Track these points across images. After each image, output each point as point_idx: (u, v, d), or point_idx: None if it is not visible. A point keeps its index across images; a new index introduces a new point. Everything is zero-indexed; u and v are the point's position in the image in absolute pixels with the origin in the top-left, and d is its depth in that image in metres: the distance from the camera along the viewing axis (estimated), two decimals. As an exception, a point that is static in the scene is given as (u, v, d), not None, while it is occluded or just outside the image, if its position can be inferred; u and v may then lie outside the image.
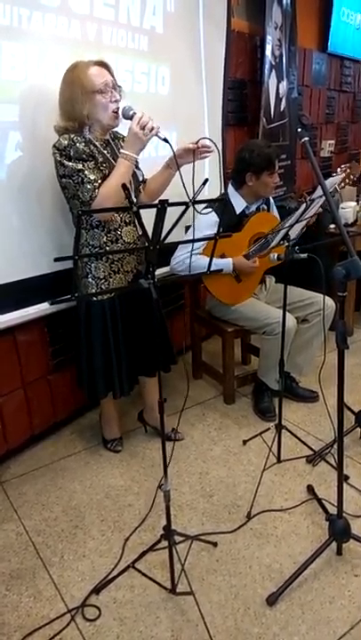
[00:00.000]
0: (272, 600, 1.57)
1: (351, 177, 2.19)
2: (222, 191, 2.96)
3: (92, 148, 1.80)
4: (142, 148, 1.79)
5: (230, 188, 2.45)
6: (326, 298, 2.35)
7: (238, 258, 2.36)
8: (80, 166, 1.75)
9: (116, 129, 1.95)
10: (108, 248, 1.89)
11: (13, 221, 1.99)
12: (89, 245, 1.91)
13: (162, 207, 1.30)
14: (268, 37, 3.20)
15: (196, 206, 1.39)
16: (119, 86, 1.85)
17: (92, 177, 1.76)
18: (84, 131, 1.82)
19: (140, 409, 2.48)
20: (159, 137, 1.74)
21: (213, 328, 2.70)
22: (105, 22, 2.14)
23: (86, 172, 1.75)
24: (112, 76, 1.84)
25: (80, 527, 1.92)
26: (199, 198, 1.42)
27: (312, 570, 1.66)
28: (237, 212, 2.41)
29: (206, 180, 1.56)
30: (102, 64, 1.82)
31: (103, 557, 1.78)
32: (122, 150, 1.79)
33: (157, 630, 1.52)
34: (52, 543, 1.85)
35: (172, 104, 2.58)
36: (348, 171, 2.17)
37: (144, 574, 1.68)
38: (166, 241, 1.41)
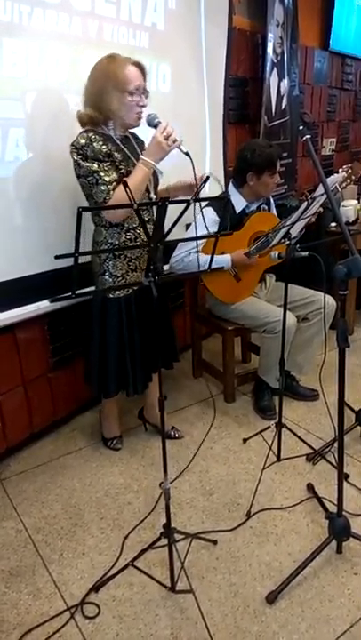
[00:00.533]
0: (272, 598, 1.57)
1: (353, 177, 2.19)
2: (224, 189, 2.96)
3: (110, 146, 1.79)
4: (163, 158, 1.78)
5: (231, 187, 2.45)
6: (327, 296, 2.35)
7: (237, 252, 2.35)
8: (95, 167, 1.74)
9: (133, 130, 1.95)
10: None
11: (14, 219, 1.98)
12: (108, 243, 1.90)
13: (162, 205, 1.29)
14: (270, 35, 3.19)
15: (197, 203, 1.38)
16: (147, 91, 1.84)
17: (106, 179, 1.75)
18: (108, 125, 1.81)
19: (140, 407, 2.48)
20: (181, 150, 1.74)
21: (214, 326, 2.70)
22: (106, 19, 2.14)
23: (101, 173, 1.74)
24: (145, 80, 1.82)
25: (79, 525, 1.92)
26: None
27: (312, 568, 1.66)
28: (237, 211, 2.41)
29: (207, 178, 1.56)
30: (140, 66, 1.81)
31: (103, 555, 1.78)
32: (142, 156, 1.78)
33: (157, 628, 1.52)
34: (51, 541, 1.85)
35: (173, 102, 2.58)
36: (350, 171, 2.16)
37: (143, 572, 1.68)
38: (167, 239, 1.40)
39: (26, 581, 1.69)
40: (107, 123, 1.81)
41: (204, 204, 2.36)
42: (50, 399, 2.44)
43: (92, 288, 2.02)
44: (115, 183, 1.76)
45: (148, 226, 1.87)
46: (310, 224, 2.22)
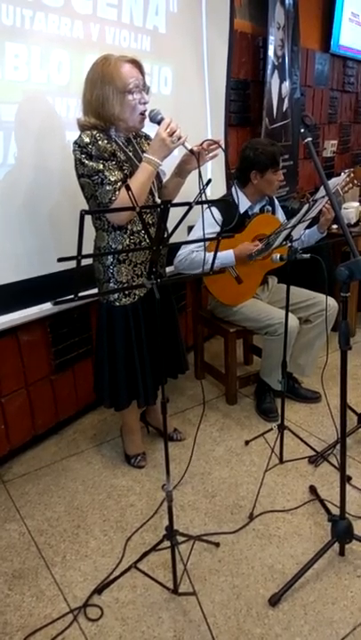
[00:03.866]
0: (274, 601, 1.57)
1: (355, 182, 2.18)
2: (226, 191, 2.97)
3: (114, 145, 1.74)
4: (167, 155, 1.72)
5: (234, 187, 2.45)
6: (329, 298, 2.35)
7: (239, 246, 2.32)
8: (100, 166, 1.68)
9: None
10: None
11: (16, 221, 1.99)
12: (111, 249, 1.83)
13: (164, 207, 1.30)
14: (271, 38, 3.20)
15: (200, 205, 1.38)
16: (148, 86, 1.78)
17: (112, 178, 1.68)
18: (111, 129, 1.76)
19: (142, 410, 2.48)
20: (185, 147, 1.71)
21: (216, 328, 2.70)
22: (108, 22, 2.15)
23: (106, 172, 1.68)
24: (142, 75, 1.76)
25: (82, 527, 1.92)
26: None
27: (314, 571, 1.66)
28: (241, 212, 2.41)
29: (209, 181, 1.56)
30: (135, 62, 1.74)
31: (105, 557, 1.78)
32: (146, 155, 1.72)
33: (160, 630, 1.52)
34: (54, 543, 1.85)
35: (175, 104, 2.58)
36: (353, 175, 2.16)
37: (146, 574, 1.68)
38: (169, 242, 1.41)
39: (29, 584, 1.69)
40: (110, 128, 1.76)
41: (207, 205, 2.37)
42: (52, 401, 2.45)
43: (95, 290, 2.01)
44: (120, 183, 1.70)
45: (153, 229, 1.83)
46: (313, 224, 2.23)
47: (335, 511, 1.75)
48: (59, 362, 2.41)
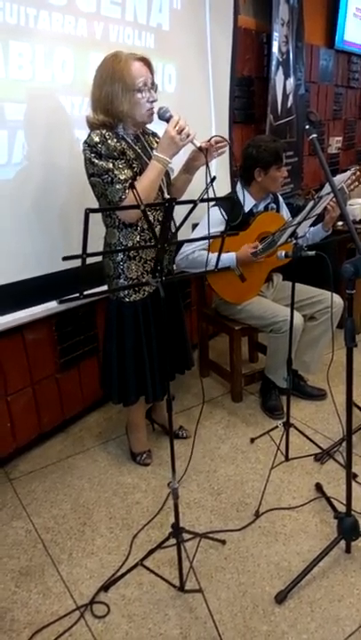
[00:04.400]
0: (281, 598, 1.57)
1: None
2: (231, 189, 2.96)
3: (123, 144, 1.74)
4: (176, 153, 1.73)
5: (238, 187, 2.45)
6: (334, 295, 2.34)
7: (242, 249, 2.32)
8: (110, 165, 1.68)
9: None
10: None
11: (22, 220, 1.99)
12: (121, 245, 1.84)
13: (169, 205, 1.30)
14: (275, 34, 3.19)
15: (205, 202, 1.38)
16: (156, 85, 1.79)
17: (122, 177, 1.69)
18: (119, 127, 1.77)
19: (148, 407, 2.49)
20: (194, 144, 1.71)
21: (221, 326, 2.70)
22: (112, 20, 2.14)
23: (116, 171, 1.69)
24: (152, 73, 1.77)
25: (88, 525, 1.93)
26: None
27: (321, 568, 1.66)
28: (245, 210, 2.41)
29: (214, 178, 1.56)
30: (145, 60, 1.75)
31: (112, 555, 1.79)
32: (155, 152, 1.73)
33: (166, 627, 1.52)
34: (60, 540, 1.86)
35: (179, 102, 2.58)
36: (359, 173, 2.15)
37: (152, 572, 1.69)
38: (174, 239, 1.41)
39: (36, 581, 1.70)
40: (118, 125, 1.76)
41: (212, 202, 2.37)
42: (58, 400, 2.45)
43: (101, 289, 2.01)
44: (130, 181, 1.70)
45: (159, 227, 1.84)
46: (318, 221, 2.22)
47: (341, 509, 1.75)
48: (64, 360, 2.42)
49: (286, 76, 3.42)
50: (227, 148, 1.84)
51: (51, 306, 2.13)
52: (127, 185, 1.70)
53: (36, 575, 1.72)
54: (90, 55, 2.06)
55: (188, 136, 1.68)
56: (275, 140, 2.36)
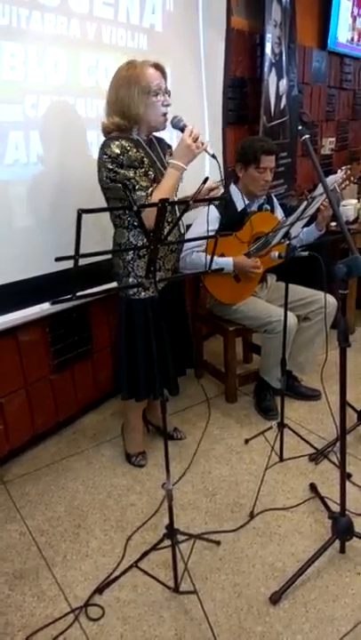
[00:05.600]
0: (275, 598, 1.57)
1: (352, 178, 2.18)
2: (222, 191, 2.96)
3: (141, 152, 1.79)
4: (192, 160, 1.78)
5: (232, 186, 2.46)
6: (328, 296, 2.35)
7: (239, 257, 2.35)
8: (132, 174, 1.74)
9: (161, 134, 1.96)
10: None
11: (15, 221, 1.99)
12: (132, 245, 1.89)
13: (162, 206, 1.30)
14: (268, 35, 3.19)
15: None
16: (169, 91, 1.84)
17: (143, 184, 1.75)
18: (133, 130, 1.82)
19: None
20: (208, 152, 1.76)
21: (215, 327, 2.70)
22: (104, 21, 2.14)
23: (137, 179, 1.75)
24: (165, 79, 1.83)
25: (83, 527, 1.92)
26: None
27: (315, 568, 1.66)
28: (238, 209, 2.41)
29: (206, 179, 1.57)
30: (159, 67, 1.81)
31: (106, 557, 1.78)
32: (171, 160, 1.78)
33: (161, 629, 1.52)
34: (55, 543, 1.85)
35: (172, 103, 2.57)
36: (349, 172, 2.16)
37: (147, 573, 1.68)
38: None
39: (30, 584, 1.69)
40: (132, 129, 1.81)
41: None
42: (52, 401, 2.44)
43: (94, 290, 2.01)
44: (151, 188, 1.77)
45: (167, 227, 1.86)
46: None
47: (336, 508, 1.75)
48: (58, 361, 2.41)
49: (279, 77, 3.43)
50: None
51: (44, 307, 2.12)
52: (149, 192, 1.76)
53: (30, 578, 1.71)
54: (82, 56, 2.06)
55: (202, 144, 1.75)
56: (265, 140, 2.39)
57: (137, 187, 1.75)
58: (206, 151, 1.77)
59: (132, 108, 1.76)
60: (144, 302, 1.95)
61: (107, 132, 1.81)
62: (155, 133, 1.92)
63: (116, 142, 1.75)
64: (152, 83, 1.75)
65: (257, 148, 2.31)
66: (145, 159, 1.80)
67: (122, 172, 1.74)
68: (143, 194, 1.75)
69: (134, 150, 1.76)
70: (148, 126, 1.83)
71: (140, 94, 1.74)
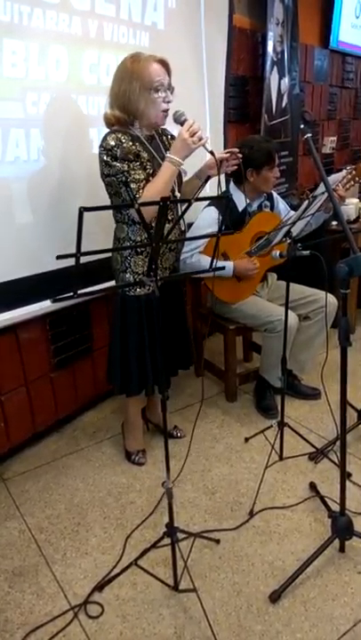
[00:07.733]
0: (275, 597, 1.57)
1: (357, 179, 2.17)
2: (223, 188, 2.96)
3: (137, 145, 1.79)
4: (188, 155, 1.78)
5: (232, 186, 2.45)
6: (329, 295, 2.35)
7: (240, 261, 2.35)
8: (126, 167, 1.74)
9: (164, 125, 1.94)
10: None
11: (15, 218, 1.98)
12: (130, 240, 1.89)
13: (163, 205, 1.29)
14: (270, 33, 3.19)
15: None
16: (173, 87, 1.84)
17: (136, 177, 1.75)
18: (134, 125, 1.82)
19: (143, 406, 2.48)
20: (206, 148, 1.76)
21: (215, 326, 2.70)
22: (106, 18, 2.13)
23: (132, 172, 1.75)
24: (169, 75, 1.82)
25: (82, 524, 1.92)
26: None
27: (315, 567, 1.66)
28: (239, 210, 2.41)
29: (208, 178, 1.56)
30: (163, 63, 1.80)
31: (106, 555, 1.78)
32: (168, 154, 1.78)
33: (160, 627, 1.52)
34: (54, 540, 1.86)
35: (174, 101, 2.57)
36: (354, 172, 2.15)
37: (147, 571, 1.69)
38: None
39: (29, 581, 1.70)
40: (133, 123, 1.81)
41: (206, 202, 2.37)
42: (52, 399, 2.44)
43: (95, 287, 2.01)
44: (144, 182, 1.77)
45: (168, 225, 1.86)
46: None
47: (335, 508, 1.75)
48: (58, 359, 2.41)
49: (281, 75, 3.42)
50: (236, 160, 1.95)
51: (45, 305, 2.12)
52: (142, 185, 1.76)
53: (29, 575, 1.72)
54: (84, 53, 2.06)
55: (200, 140, 1.74)
56: (267, 140, 2.37)
57: (129, 179, 1.74)
58: (204, 147, 1.75)
59: (132, 102, 1.75)
60: (139, 299, 1.96)
61: (109, 123, 1.81)
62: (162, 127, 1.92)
63: (113, 135, 1.75)
64: (154, 79, 1.75)
65: (268, 149, 2.30)
66: (143, 153, 1.79)
67: (117, 164, 1.74)
68: (135, 187, 1.75)
69: (130, 144, 1.76)
70: (148, 122, 1.83)
71: (141, 90, 1.74)
